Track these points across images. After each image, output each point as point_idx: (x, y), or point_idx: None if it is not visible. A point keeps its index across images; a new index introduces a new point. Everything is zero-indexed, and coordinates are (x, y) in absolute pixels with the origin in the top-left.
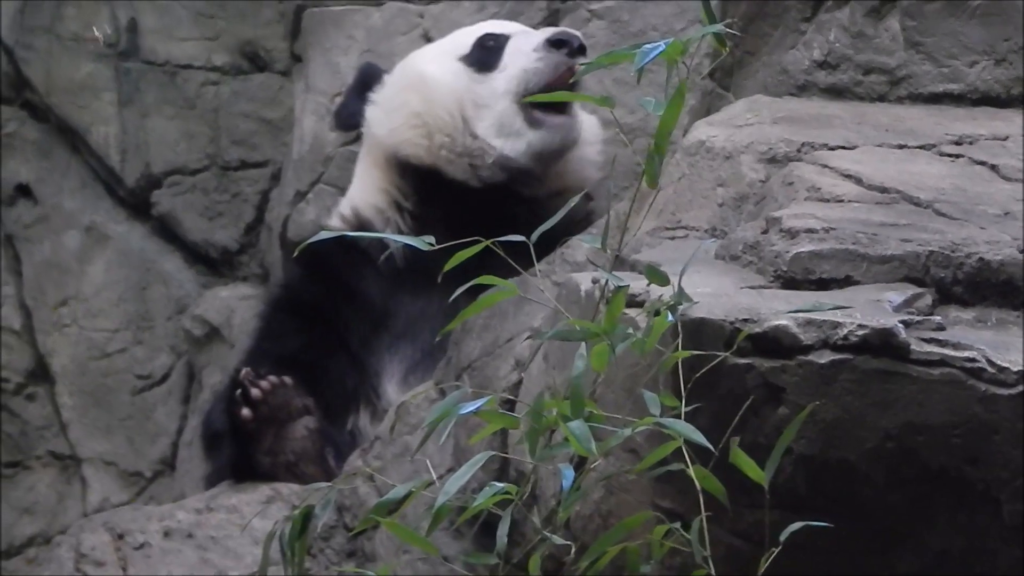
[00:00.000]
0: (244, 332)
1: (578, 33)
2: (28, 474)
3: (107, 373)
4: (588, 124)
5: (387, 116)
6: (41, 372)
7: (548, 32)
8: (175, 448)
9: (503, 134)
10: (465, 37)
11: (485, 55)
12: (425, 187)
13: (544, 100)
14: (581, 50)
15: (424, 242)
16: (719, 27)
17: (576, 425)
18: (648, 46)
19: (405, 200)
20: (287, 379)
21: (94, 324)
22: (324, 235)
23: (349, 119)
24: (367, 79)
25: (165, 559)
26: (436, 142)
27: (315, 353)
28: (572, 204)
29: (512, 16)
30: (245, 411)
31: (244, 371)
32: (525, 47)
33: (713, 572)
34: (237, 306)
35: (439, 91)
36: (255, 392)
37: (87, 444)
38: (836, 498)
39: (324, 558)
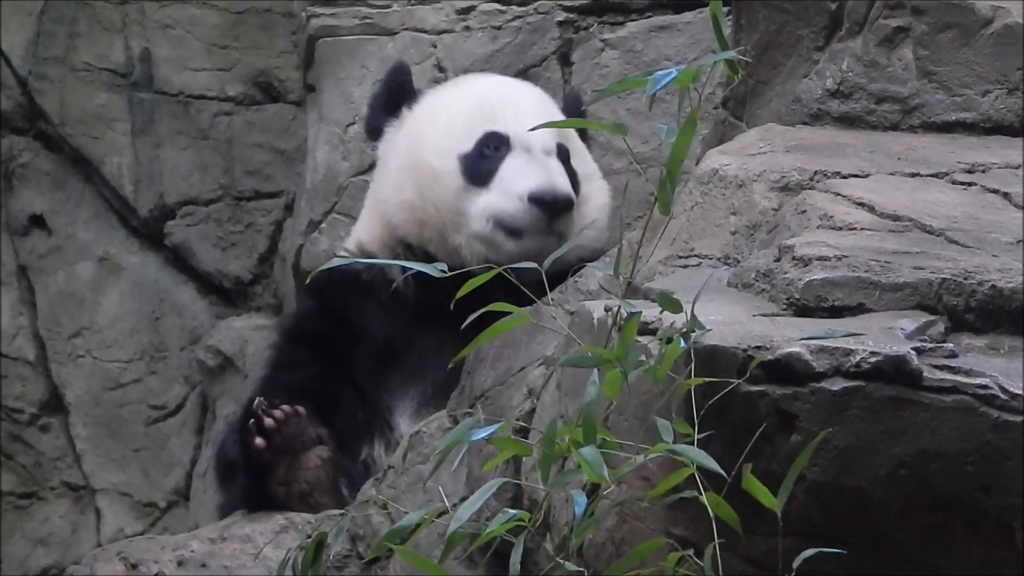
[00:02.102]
0: (257, 362)
1: (563, 190)
2: (42, 505)
3: (121, 404)
4: (596, 190)
5: (388, 183)
6: (55, 403)
7: (535, 183)
8: (189, 479)
9: (485, 244)
10: (471, 126)
11: (481, 165)
12: (420, 254)
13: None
14: (566, 207)
15: (436, 269)
16: (731, 54)
17: (588, 451)
18: (660, 73)
19: (406, 251)
20: (300, 409)
21: (108, 355)
22: (336, 262)
23: (374, 132)
24: (397, 84)
25: None
26: (426, 234)
27: (327, 385)
28: (583, 230)
29: (524, 48)
30: (259, 441)
31: (257, 401)
32: (514, 183)
33: None
34: (251, 336)
35: (433, 191)
36: (268, 422)
37: (101, 475)
38: (849, 526)
39: None
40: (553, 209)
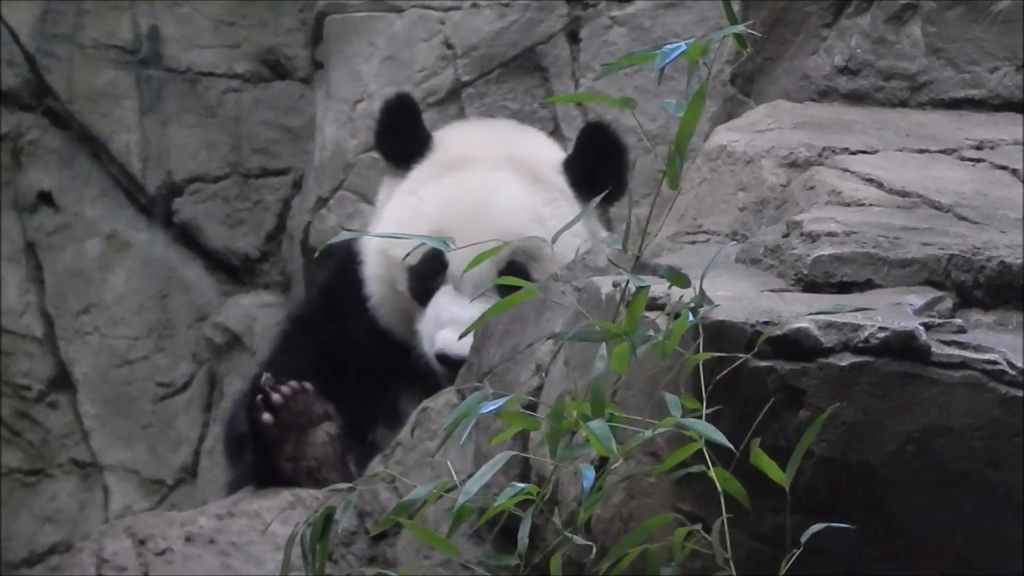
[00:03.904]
0: (265, 340)
1: (468, 353)
2: (50, 482)
3: (128, 381)
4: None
5: (372, 250)
6: (63, 380)
7: (441, 343)
8: (197, 456)
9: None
10: (421, 223)
11: (423, 286)
12: None
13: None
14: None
15: (443, 242)
16: (740, 28)
17: (596, 425)
18: (669, 47)
19: None
20: (308, 385)
21: (116, 332)
22: (344, 235)
23: (391, 157)
24: (399, 114)
25: (187, 565)
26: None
27: (333, 371)
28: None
29: (531, 25)
30: (266, 416)
31: (265, 376)
32: (433, 330)
33: (734, 574)
34: (258, 314)
35: (395, 291)
36: (276, 397)
37: (109, 452)
38: (857, 501)
39: (345, 564)
40: (456, 368)
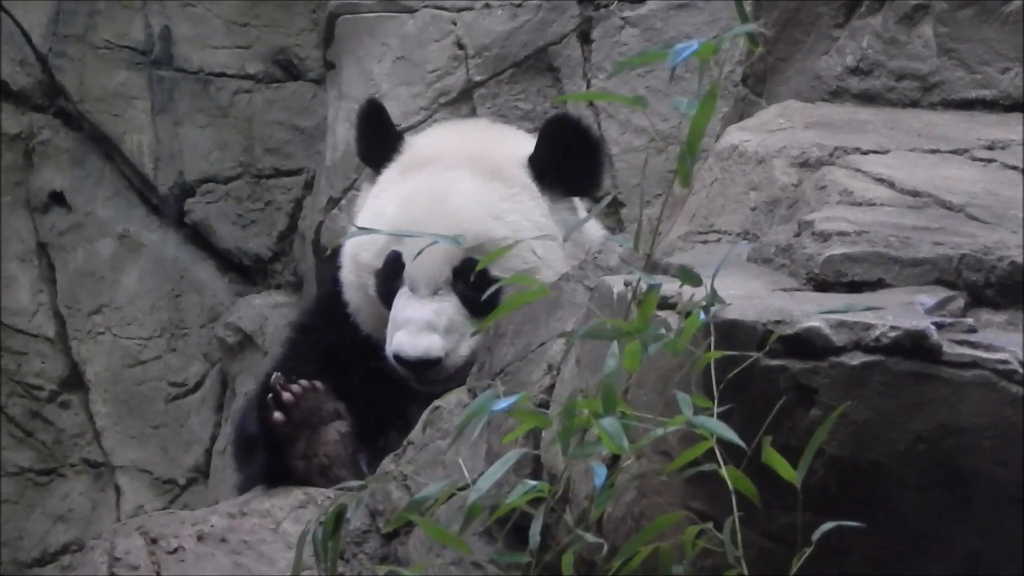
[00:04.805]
0: (276, 341)
1: (419, 354)
2: (62, 482)
3: (141, 381)
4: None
5: (347, 255)
6: (75, 380)
7: (396, 345)
8: (209, 456)
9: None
10: (387, 239)
11: (387, 287)
12: None
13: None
14: (431, 366)
15: (454, 240)
16: (752, 26)
17: (608, 422)
18: (680, 45)
19: None
20: (318, 384)
21: (128, 332)
22: (355, 234)
23: (367, 161)
24: (370, 119)
25: (199, 563)
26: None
27: (338, 374)
28: (602, 206)
29: (544, 26)
30: (277, 415)
31: (275, 375)
32: (392, 331)
33: (746, 572)
34: (270, 314)
35: (366, 294)
36: (287, 396)
37: (121, 452)
38: (867, 500)
39: (357, 563)
40: (416, 369)
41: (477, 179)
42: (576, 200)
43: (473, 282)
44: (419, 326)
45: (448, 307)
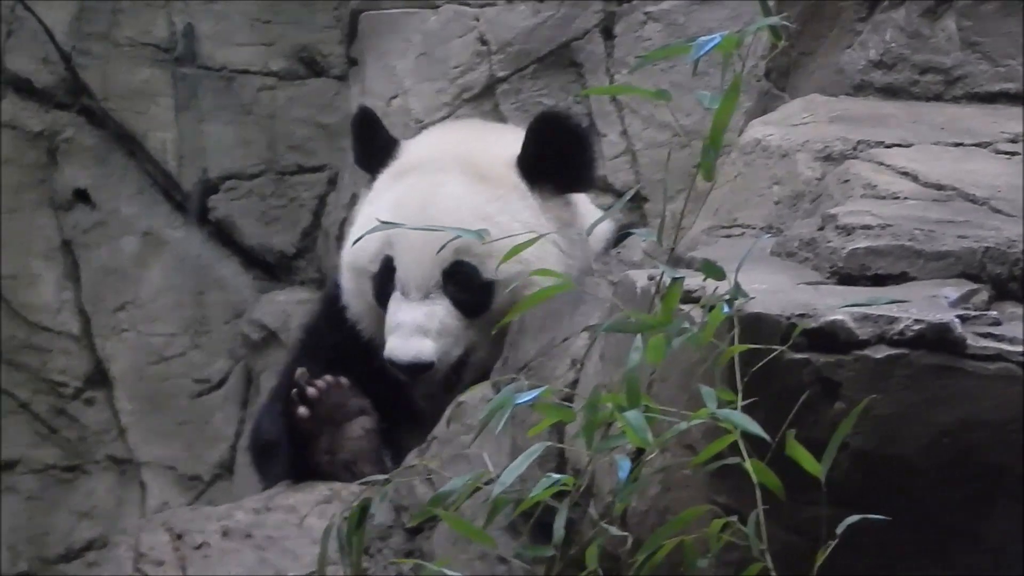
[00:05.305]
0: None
1: (410, 359)
2: (87, 478)
3: (165, 378)
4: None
5: (342, 273)
6: (99, 377)
7: (389, 348)
8: (233, 452)
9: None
10: (381, 243)
11: (383, 290)
12: None
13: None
14: (422, 370)
15: (479, 234)
16: (775, 19)
17: (632, 415)
18: (703, 38)
19: None
20: (343, 380)
21: (152, 329)
22: (378, 228)
23: (364, 168)
24: (363, 127)
25: (224, 559)
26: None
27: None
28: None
29: (566, 21)
30: (302, 410)
31: (300, 371)
32: (387, 336)
33: (770, 565)
34: (294, 310)
35: (364, 312)
36: (311, 391)
37: (145, 448)
38: (891, 494)
39: (382, 558)
40: (408, 373)
41: (465, 182)
42: (572, 196)
43: (464, 284)
44: (410, 330)
45: (439, 310)
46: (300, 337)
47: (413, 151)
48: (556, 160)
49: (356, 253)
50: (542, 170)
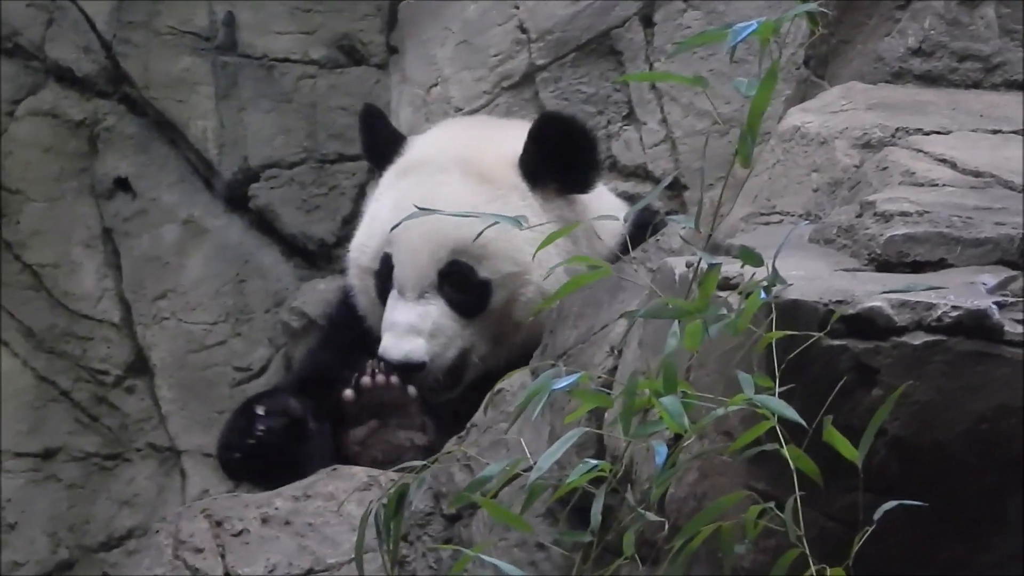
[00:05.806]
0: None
1: (401, 357)
2: (128, 466)
3: (206, 366)
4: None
5: (351, 256)
6: (140, 365)
7: (383, 346)
8: None
9: None
10: (382, 240)
11: (383, 286)
12: None
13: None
14: (415, 370)
15: (517, 222)
16: (813, 6)
17: (669, 401)
18: (740, 25)
19: None
20: (411, 389)
21: (192, 317)
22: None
23: (373, 163)
24: (369, 123)
25: (263, 546)
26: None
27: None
28: (663, 186)
29: (606, 9)
30: (348, 392)
31: (371, 362)
32: (382, 334)
33: (807, 551)
34: (334, 298)
35: (370, 310)
36: (365, 380)
37: (186, 436)
38: (928, 481)
39: (421, 544)
40: (401, 372)
41: (466, 182)
42: (575, 196)
43: (460, 284)
44: (403, 330)
45: (434, 310)
46: (323, 327)
47: (417, 148)
48: (558, 161)
49: (359, 250)
50: (544, 171)
